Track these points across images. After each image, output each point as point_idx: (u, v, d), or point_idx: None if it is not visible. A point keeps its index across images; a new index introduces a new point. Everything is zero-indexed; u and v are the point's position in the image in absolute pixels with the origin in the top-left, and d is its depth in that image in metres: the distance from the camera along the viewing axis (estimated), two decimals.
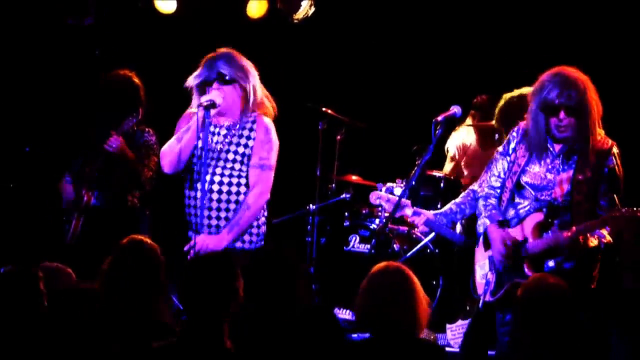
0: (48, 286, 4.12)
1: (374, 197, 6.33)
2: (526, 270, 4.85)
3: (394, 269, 4.03)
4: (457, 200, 6.12)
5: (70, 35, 8.29)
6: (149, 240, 4.33)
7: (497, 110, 6.06)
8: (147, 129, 6.44)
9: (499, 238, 4.97)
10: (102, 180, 6.37)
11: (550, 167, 4.94)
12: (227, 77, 5.38)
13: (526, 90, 5.29)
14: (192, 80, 5.47)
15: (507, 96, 5.90)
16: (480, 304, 5.03)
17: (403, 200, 5.92)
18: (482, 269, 5.11)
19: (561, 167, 4.92)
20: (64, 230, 6.37)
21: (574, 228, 4.74)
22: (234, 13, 8.36)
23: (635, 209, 4.64)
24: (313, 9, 8.21)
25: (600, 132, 4.90)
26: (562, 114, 4.82)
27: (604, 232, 4.78)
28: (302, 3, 8.17)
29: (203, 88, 5.45)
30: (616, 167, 4.89)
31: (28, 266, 4.17)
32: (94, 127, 6.45)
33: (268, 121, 5.51)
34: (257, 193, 5.42)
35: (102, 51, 8.49)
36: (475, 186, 5.88)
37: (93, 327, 3.90)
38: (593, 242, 4.79)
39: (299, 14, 8.22)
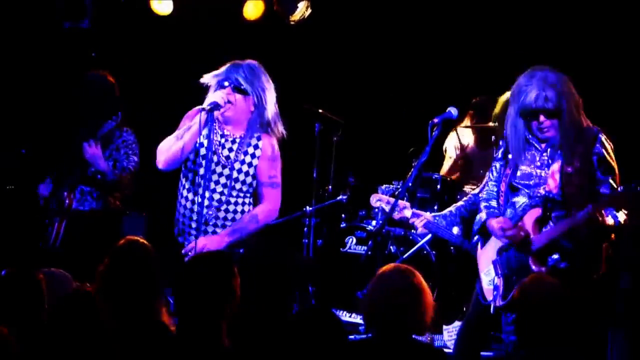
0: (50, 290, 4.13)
1: (374, 200, 6.34)
2: (532, 266, 4.86)
3: (403, 270, 4.04)
4: (458, 203, 6.16)
5: (67, 38, 8.29)
6: (144, 241, 4.33)
7: (496, 112, 6.07)
8: (125, 128, 6.44)
9: (497, 225, 4.99)
10: (83, 183, 6.39)
11: (539, 164, 4.97)
12: (242, 87, 5.36)
13: None
14: (210, 79, 5.43)
15: (505, 97, 5.91)
16: (491, 310, 5.03)
17: (402, 202, 5.92)
18: (488, 275, 5.11)
19: (549, 161, 4.94)
20: (46, 234, 6.38)
21: (590, 205, 4.71)
22: (231, 14, 8.36)
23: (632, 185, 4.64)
24: (309, 10, 8.21)
25: (583, 121, 4.90)
26: (542, 118, 4.84)
27: (619, 213, 4.74)
28: (299, 5, 8.18)
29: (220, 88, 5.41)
30: (605, 152, 4.88)
31: (29, 269, 4.16)
32: (74, 130, 6.46)
33: (273, 139, 5.50)
34: (267, 209, 5.47)
35: (98, 53, 8.49)
36: (477, 191, 5.91)
37: (92, 330, 3.89)
38: (609, 220, 4.75)
39: (296, 16, 8.22)
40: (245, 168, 5.41)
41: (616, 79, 7.55)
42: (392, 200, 6.15)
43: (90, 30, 8.18)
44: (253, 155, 5.41)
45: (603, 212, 4.71)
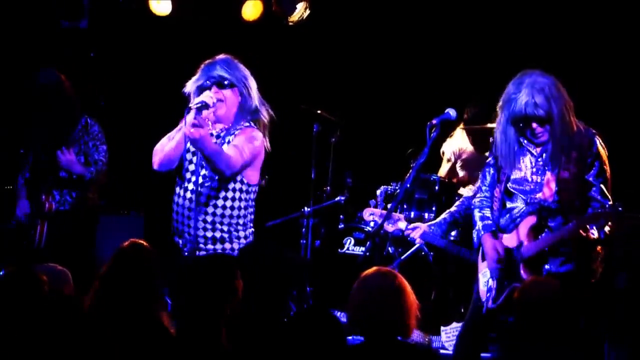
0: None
1: (367, 214, 6.35)
2: (523, 274, 4.87)
3: (384, 272, 4.05)
4: (452, 209, 6.16)
5: (65, 37, 8.29)
6: (147, 244, 4.33)
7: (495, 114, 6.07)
8: (88, 121, 6.49)
9: (491, 246, 5.01)
10: (59, 184, 6.43)
11: (534, 169, 4.96)
12: (226, 82, 5.34)
13: None
14: (191, 86, 5.40)
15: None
16: (483, 310, 5.04)
17: (395, 214, 5.93)
18: (485, 276, 5.13)
19: (545, 167, 4.93)
20: (29, 236, 6.39)
21: (574, 221, 4.75)
22: (230, 15, 8.37)
23: (616, 204, 4.68)
24: (308, 11, 8.22)
25: (577, 124, 4.89)
26: (534, 125, 4.84)
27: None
28: (297, 5, 8.19)
29: (201, 92, 5.38)
30: (600, 157, 4.89)
31: (30, 269, 4.15)
32: (44, 132, 6.49)
33: (256, 131, 5.38)
34: (229, 155, 5.17)
35: (97, 53, 8.49)
36: (470, 194, 5.92)
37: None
38: (594, 233, 4.80)
39: (294, 17, 8.23)
40: None
41: (613, 80, 7.56)
42: (385, 213, 6.15)
43: (89, 30, 8.19)
44: (229, 142, 5.36)
45: (588, 226, 4.75)
